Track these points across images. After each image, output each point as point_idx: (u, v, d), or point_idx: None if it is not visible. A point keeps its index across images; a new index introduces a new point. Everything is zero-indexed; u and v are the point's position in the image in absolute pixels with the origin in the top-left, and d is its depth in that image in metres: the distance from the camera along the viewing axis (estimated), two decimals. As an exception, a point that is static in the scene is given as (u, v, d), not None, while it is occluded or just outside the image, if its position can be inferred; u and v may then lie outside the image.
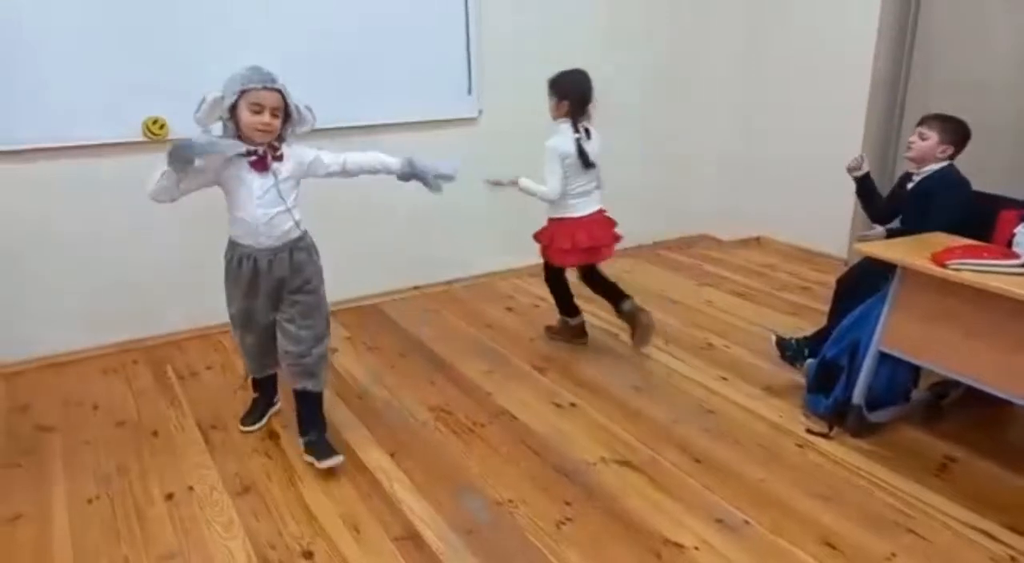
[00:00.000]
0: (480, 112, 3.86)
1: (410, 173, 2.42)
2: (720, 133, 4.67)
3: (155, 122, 3.08)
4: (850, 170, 2.88)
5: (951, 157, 2.64)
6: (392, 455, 2.45)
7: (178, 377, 3.02)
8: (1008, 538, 2.04)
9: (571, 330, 3.32)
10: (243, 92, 2.11)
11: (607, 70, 4.21)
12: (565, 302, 3.28)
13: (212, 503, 2.21)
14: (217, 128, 2.20)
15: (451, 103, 3.76)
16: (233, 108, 2.13)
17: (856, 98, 4.02)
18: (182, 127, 3.10)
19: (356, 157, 2.40)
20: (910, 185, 2.72)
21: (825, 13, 4.16)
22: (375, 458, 2.43)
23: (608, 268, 4.32)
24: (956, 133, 2.62)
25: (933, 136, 2.62)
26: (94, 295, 3.17)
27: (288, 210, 2.26)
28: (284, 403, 2.69)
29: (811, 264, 4.27)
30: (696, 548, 2.01)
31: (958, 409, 2.63)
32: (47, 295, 3.08)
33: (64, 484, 2.32)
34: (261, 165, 2.20)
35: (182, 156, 2.05)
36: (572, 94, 2.90)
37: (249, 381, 2.68)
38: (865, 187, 2.88)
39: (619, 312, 3.19)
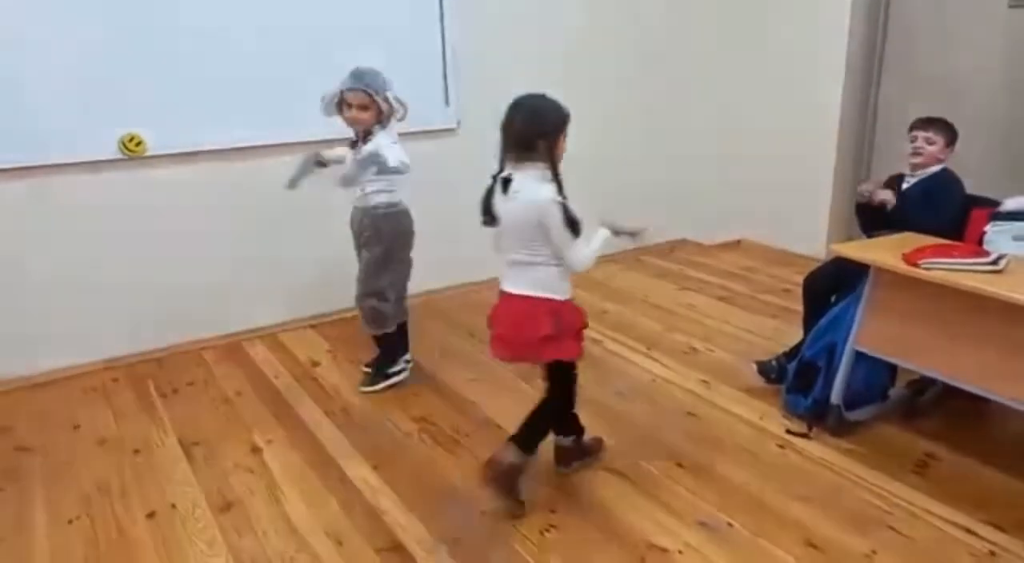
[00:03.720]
0: (459, 123, 3.88)
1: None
2: (700, 138, 4.71)
3: (132, 139, 3.07)
4: (860, 194, 2.78)
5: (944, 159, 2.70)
6: (375, 467, 2.44)
7: (159, 394, 3.00)
8: (987, 533, 2.07)
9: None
10: (342, 92, 2.66)
11: (585, 78, 4.27)
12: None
13: (195, 520, 2.20)
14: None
15: (429, 114, 3.77)
16: (340, 105, 2.68)
17: (831, 99, 4.08)
18: (158, 144, 3.13)
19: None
20: (905, 186, 2.75)
21: (799, 18, 4.21)
22: (359, 471, 2.43)
23: (590, 273, 4.34)
24: (954, 136, 2.70)
25: (940, 140, 2.68)
26: (73, 314, 3.15)
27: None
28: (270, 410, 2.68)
29: (792, 266, 4.30)
30: (680, 551, 2.02)
31: (936, 406, 2.66)
32: (25, 316, 3.06)
33: (45, 505, 2.30)
34: (353, 146, 2.77)
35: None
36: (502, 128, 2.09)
37: None
38: (867, 207, 2.82)
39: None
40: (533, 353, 2.19)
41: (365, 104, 2.65)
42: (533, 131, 2.01)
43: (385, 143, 2.66)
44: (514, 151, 2.06)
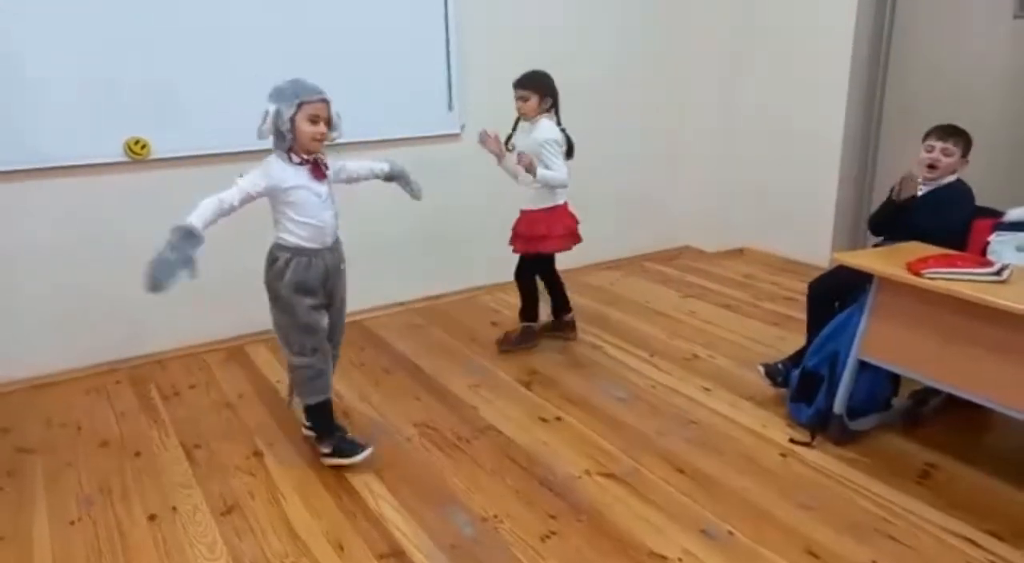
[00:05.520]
0: (462, 127, 3.88)
1: (394, 174, 2.65)
2: (702, 145, 4.71)
3: (137, 142, 3.08)
4: (902, 193, 2.68)
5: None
6: (377, 472, 2.44)
7: (161, 397, 3.01)
8: (989, 543, 2.06)
9: (534, 335, 3.43)
10: (301, 104, 2.21)
11: (588, 85, 4.28)
12: (534, 304, 3.43)
13: (195, 523, 2.20)
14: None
15: (433, 119, 3.79)
16: (293, 120, 2.22)
17: (835, 108, 4.08)
18: (164, 147, 3.14)
19: (352, 165, 2.55)
20: (920, 192, 2.69)
21: (803, 24, 4.22)
22: (360, 475, 2.43)
23: (592, 280, 4.38)
24: (970, 147, 2.66)
25: (958, 152, 2.63)
26: (76, 315, 3.15)
27: (336, 211, 2.43)
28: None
29: (794, 274, 4.30)
30: (680, 559, 2.02)
31: (939, 416, 2.66)
32: (28, 316, 3.07)
33: (46, 506, 2.30)
34: (319, 172, 2.33)
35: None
36: (554, 92, 3.10)
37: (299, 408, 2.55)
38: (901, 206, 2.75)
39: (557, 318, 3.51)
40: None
41: (329, 118, 2.29)
42: None
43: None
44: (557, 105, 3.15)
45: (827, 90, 4.10)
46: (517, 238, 3.23)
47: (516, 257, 3.31)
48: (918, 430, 2.61)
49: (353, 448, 2.46)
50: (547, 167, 3.03)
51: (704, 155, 4.72)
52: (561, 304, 3.46)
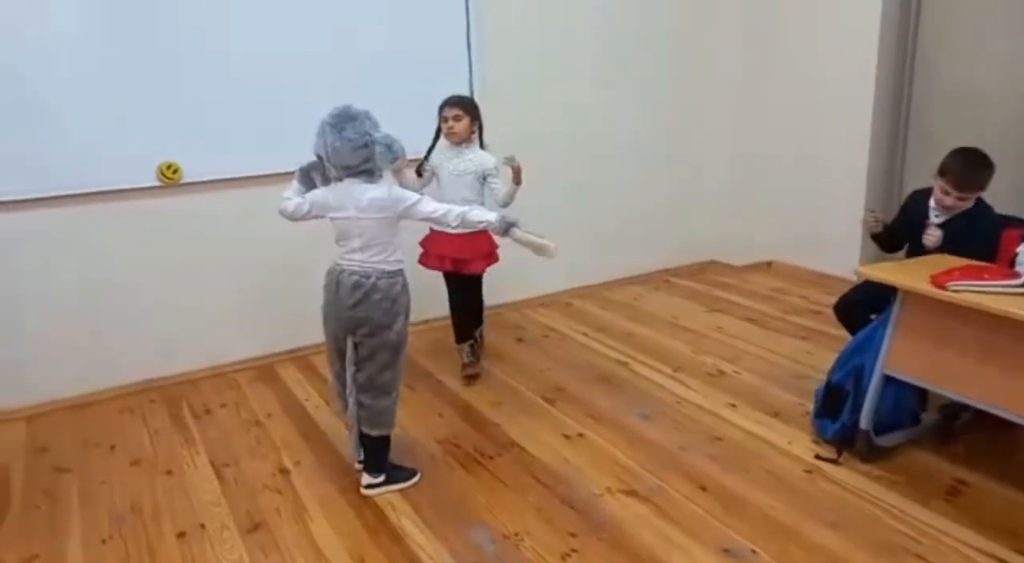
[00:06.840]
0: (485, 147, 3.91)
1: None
2: (728, 159, 4.70)
3: (169, 167, 3.17)
4: (870, 227, 2.85)
5: None
6: (400, 489, 2.47)
7: (193, 415, 3.08)
8: (1019, 562, 2.01)
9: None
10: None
11: (610, 98, 4.30)
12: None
13: (223, 541, 2.24)
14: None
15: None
16: None
17: (861, 120, 4.05)
18: (195, 171, 3.22)
19: None
20: (936, 218, 2.66)
21: (825, 38, 4.19)
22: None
23: (616, 295, 4.37)
24: (989, 180, 2.56)
25: (973, 198, 2.58)
26: (113, 337, 3.24)
27: None
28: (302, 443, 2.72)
29: (822, 287, 4.25)
30: (702, 578, 2.01)
31: (969, 431, 2.61)
32: (66, 339, 3.16)
33: (80, 524, 2.37)
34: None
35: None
36: (481, 118, 3.11)
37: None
38: (882, 234, 2.86)
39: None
40: None
41: None
42: None
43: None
44: None
45: (853, 107, 4.05)
46: (480, 258, 3.13)
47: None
48: (948, 446, 2.56)
49: (405, 473, 2.51)
50: (497, 189, 3.05)
51: (730, 168, 4.70)
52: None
